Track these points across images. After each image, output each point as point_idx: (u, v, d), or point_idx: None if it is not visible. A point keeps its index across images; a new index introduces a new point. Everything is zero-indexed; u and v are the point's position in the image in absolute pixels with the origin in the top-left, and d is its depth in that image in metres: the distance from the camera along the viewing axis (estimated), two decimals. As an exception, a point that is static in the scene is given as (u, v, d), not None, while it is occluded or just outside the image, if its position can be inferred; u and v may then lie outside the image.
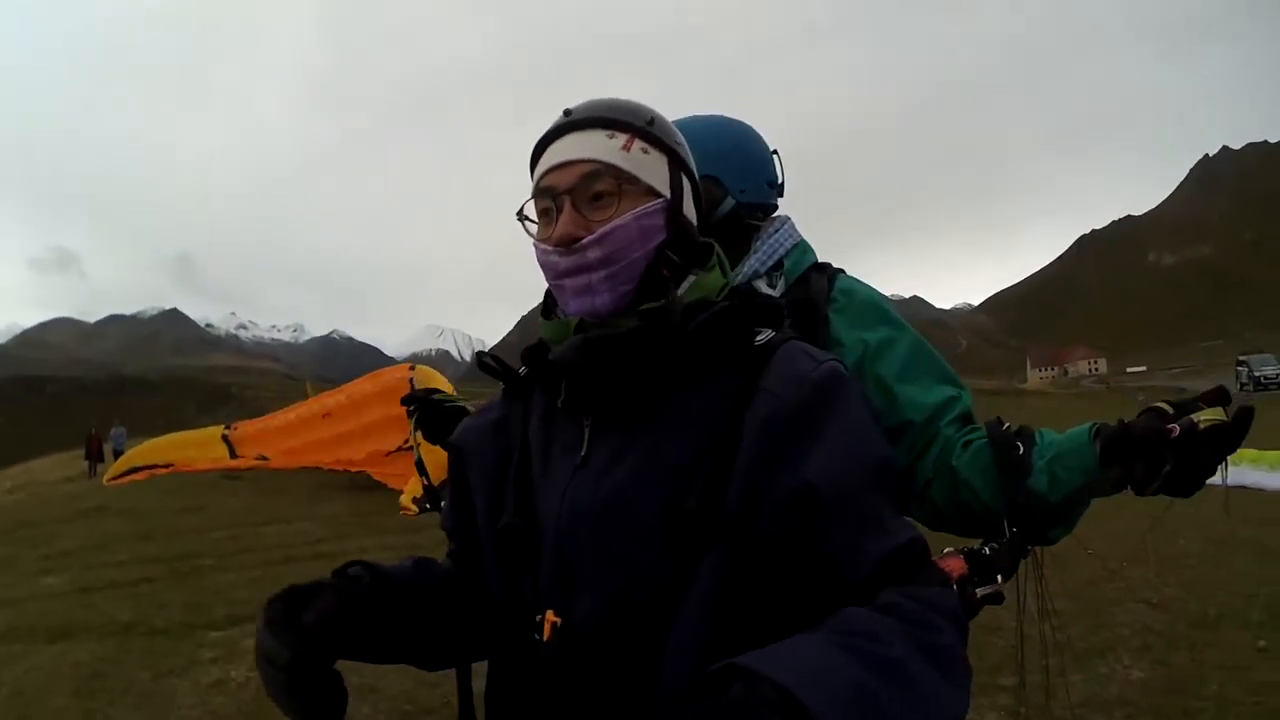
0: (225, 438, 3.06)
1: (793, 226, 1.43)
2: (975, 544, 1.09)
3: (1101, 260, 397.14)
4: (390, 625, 0.91)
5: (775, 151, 1.47)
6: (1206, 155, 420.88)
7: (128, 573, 8.29)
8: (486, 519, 0.96)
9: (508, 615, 0.92)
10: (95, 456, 25.56)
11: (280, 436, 3.08)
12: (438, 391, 1.89)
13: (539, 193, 0.94)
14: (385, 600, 0.91)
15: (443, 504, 1.14)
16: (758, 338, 0.90)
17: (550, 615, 0.87)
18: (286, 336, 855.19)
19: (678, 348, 0.88)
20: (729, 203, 1.39)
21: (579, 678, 0.84)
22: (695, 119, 1.42)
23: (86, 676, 5.04)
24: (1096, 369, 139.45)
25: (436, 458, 1.68)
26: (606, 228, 0.89)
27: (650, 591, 0.82)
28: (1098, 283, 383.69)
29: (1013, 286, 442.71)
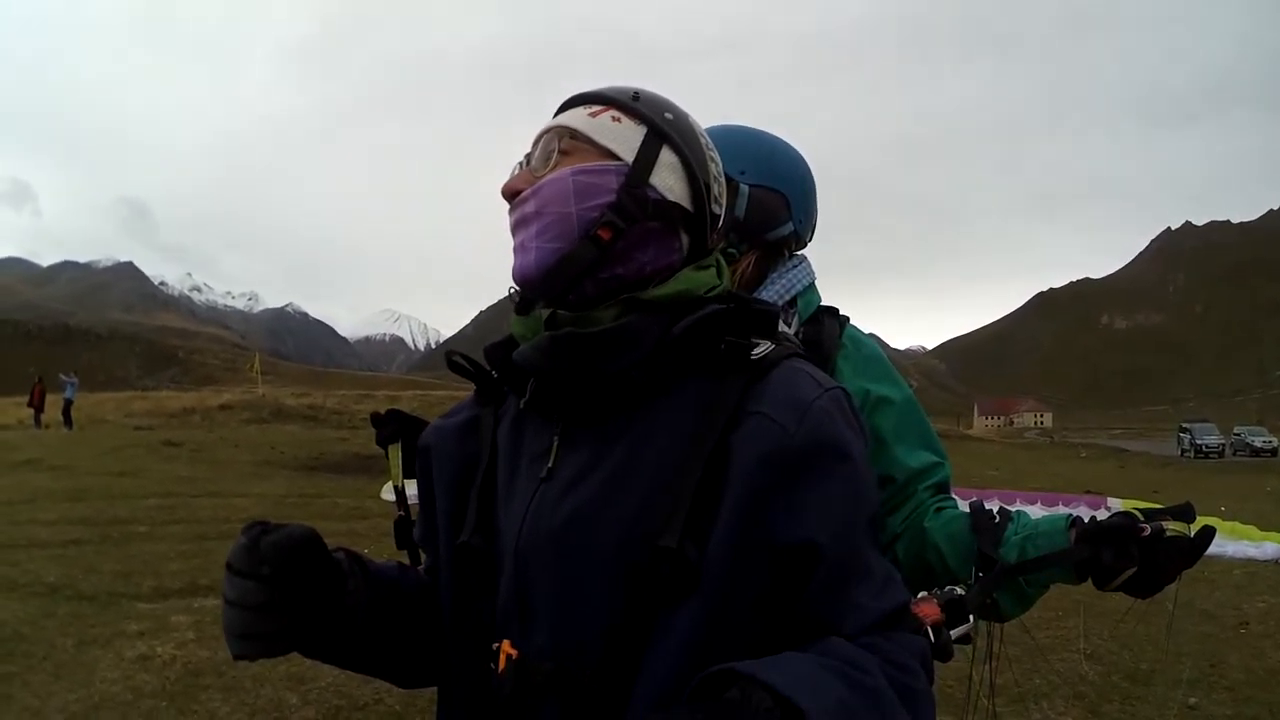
0: None
1: (809, 266, 1.42)
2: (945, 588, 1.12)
3: (1056, 318, 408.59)
4: (371, 620, 0.86)
5: None
6: (1169, 228, 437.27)
7: (56, 533, 7.98)
8: (446, 532, 0.89)
9: (461, 639, 0.87)
10: (39, 407, 24.64)
11: None
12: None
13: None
14: (371, 591, 0.87)
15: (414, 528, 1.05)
16: (755, 350, 0.81)
17: (506, 646, 0.80)
18: (241, 305, 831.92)
19: (661, 352, 0.80)
20: (789, 227, 1.37)
21: (535, 718, 0.78)
22: (780, 140, 1.41)
23: (6, 638, 4.83)
24: (1042, 422, 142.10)
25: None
26: (544, 180, 0.84)
27: (607, 636, 0.75)
28: (1050, 340, 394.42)
29: (967, 335, 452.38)
